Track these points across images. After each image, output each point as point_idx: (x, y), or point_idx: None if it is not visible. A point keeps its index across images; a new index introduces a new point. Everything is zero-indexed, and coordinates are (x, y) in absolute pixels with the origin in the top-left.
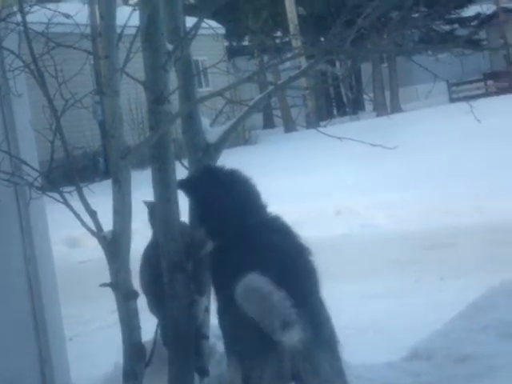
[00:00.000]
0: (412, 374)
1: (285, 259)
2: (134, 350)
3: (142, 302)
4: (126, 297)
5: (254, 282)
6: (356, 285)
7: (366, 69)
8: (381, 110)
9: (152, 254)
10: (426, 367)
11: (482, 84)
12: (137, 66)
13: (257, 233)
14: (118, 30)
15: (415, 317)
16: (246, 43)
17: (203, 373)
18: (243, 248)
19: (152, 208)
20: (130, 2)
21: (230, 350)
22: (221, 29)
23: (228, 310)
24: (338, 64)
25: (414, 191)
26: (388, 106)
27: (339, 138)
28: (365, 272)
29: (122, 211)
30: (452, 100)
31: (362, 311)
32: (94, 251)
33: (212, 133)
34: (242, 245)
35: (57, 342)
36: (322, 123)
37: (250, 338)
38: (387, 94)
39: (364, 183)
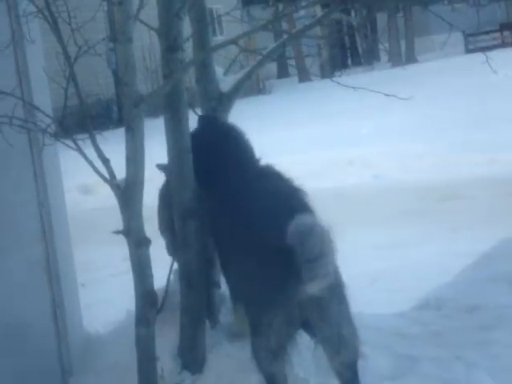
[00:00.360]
0: (422, 323)
1: (279, 201)
2: (146, 297)
3: (154, 250)
4: (138, 244)
5: (317, 225)
6: (368, 235)
7: (382, 18)
8: (396, 60)
9: (168, 194)
10: (435, 317)
11: (498, 35)
12: (151, 13)
13: (250, 180)
14: None
15: (426, 267)
16: None
17: (214, 320)
18: (238, 196)
19: (166, 170)
20: None
21: (236, 298)
22: None
23: (235, 259)
24: (353, 13)
25: (428, 142)
26: (403, 56)
27: (353, 87)
28: (377, 222)
29: (135, 159)
30: (468, 51)
31: (373, 261)
32: (107, 199)
33: (225, 82)
34: (237, 193)
35: (69, 287)
36: (337, 73)
37: (259, 286)
38: (402, 44)
39: (377, 134)
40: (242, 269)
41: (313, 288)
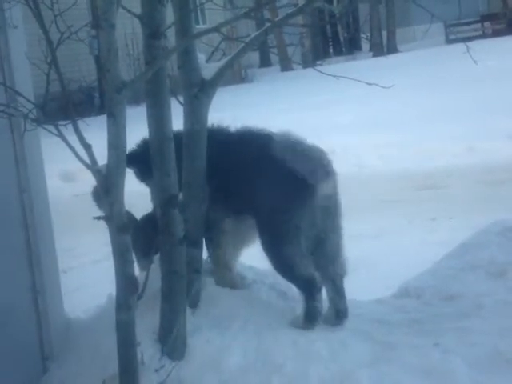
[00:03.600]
0: (401, 310)
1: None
2: (126, 282)
3: None
4: (119, 230)
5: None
6: (348, 224)
7: (364, 8)
8: (377, 50)
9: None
10: (415, 304)
11: (479, 25)
12: None
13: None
14: None
15: (406, 256)
16: None
17: (194, 306)
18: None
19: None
20: None
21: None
22: None
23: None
24: (335, 2)
25: (408, 132)
26: (384, 46)
27: (335, 76)
28: (357, 211)
29: (117, 145)
30: (449, 41)
31: (354, 250)
32: (88, 185)
33: (208, 69)
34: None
35: (50, 273)
36: (318, 62)
37: (287, 197)
38: (384, 34)
39: (359, 123)
40: (269, 190)
41: (325, 189)
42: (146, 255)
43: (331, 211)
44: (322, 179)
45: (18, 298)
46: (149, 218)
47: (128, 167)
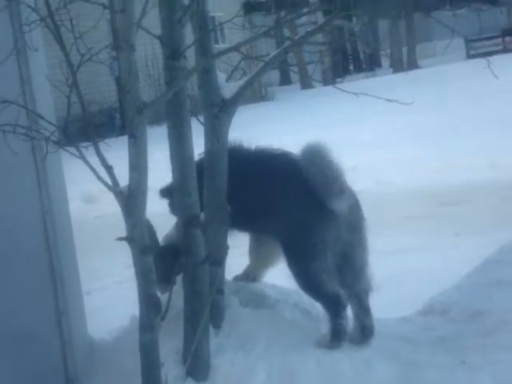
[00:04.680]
0: (426, 328)
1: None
2: (149, 303)
3: None
4: (141, 251)
5: (323, 149)
6: (371, 241)
7: (384, 24)
8: (397, 66)
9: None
10: (440, 322)
11: (499, 40)
12: (153, 20)
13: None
14: None
15: (430, 272)
16: None
17: (218, 327)
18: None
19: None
20: None
21: (281, 237)
22: None
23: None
24: (354, 19)
25: (430, 148)
26: (405, 62)
27: (356, 93)
28: (380, 228)
29: (138, 166)
30: (469, 56)
31: (377, 267)
32: (110, 207)
33: (228, 88)
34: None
35: (74, 294)
36: (339, 80)
37: (312, 214)
38: (404, 50)
39: (380, 140)
40: (295, 209)
41: (340, 205)
42: (166, 280)
43: (356, 226)
44: (343, 193)
45: (41, 319)
46: (169, 242)
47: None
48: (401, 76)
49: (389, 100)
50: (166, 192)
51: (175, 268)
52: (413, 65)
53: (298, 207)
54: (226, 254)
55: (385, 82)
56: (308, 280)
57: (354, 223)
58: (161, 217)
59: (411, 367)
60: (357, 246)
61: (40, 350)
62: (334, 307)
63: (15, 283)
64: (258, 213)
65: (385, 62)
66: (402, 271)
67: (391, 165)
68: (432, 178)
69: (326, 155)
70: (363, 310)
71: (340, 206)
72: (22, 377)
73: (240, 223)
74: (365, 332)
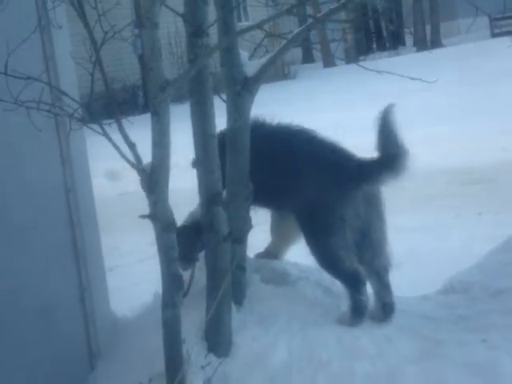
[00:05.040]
0: (447, 306)
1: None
2: (172, 280)
3: None
4: (164, 228)
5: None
6: (393, 218)
7: (407, 2)
8: (421, 44)
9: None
10: (461, 300)
11: None
12: None
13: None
14: None
15: (452, 250)
16: None
17: (239, 303)
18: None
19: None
20: None
21: (300, 213)
22: None
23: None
24: None
25: (454, 126)
26: (428, 40)
27: (379, 71)
28: (403, 205)
29: (161, 143)
30: (494, 35)
31: (399, 244)
32: (132, 184)
33: (250, 66)
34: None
35: (97, 271)
36: (362, 58)
37: (332, 189)
38: (428, 28)
39: (403, 118)
40: (314, 183)
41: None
42: (188, 258)
43: (374, 201)
44: (364, 169)
45: (65, 296)
46: (193, 220)
47: None
48: (424, 54)
49: (412, 78)
50: None
51: (198, 246)
52: (436, 43)
53: (316, 184)
54: (248, 231)
55: (408, 60)
56: (326, 257)
57: (373, 199)
58: (184, 193)
59: (432, 344)
60: (375, 222)
61: (63, 326)
62: (353, 283)
63: (39, 259)
64: (278, 189)
65: (408, 40)
66: (423, 249)
67: (414, 143)
68: (455, 156)
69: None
70: (383, 287)
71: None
72: (46, 352)
73: (261, 200)
74: (385, 309)
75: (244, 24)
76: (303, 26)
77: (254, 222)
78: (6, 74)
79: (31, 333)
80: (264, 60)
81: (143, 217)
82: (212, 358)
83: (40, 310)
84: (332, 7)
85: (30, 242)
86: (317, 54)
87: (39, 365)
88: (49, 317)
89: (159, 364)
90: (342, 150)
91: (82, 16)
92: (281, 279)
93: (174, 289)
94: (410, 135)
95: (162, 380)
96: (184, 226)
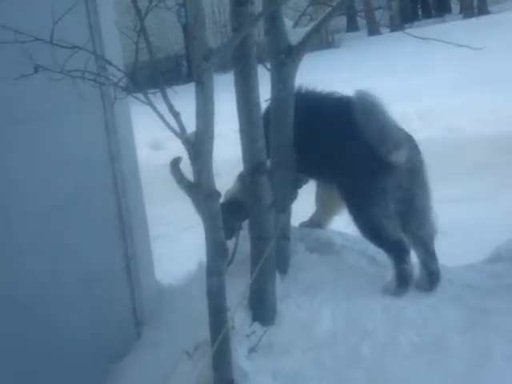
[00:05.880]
0: (494, 275)
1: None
2: (216, 248)
3: None
4: (208, 197)
5: (376, 102)
6: (438, 188)
7: None
8: (467, 11)
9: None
10: (508, 269)
11: None
12: None
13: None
14: None
15: (497, 220)
16: None
17: (284, 272)
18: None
19: None
20: None
21: (343, 184)
22: None
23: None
24: None
25: (499, 94)
26: (475, 7)
27: (424, 38)
28: (447, 175)
29: (205, 113)
30: None
31: (444, 214)
32: (177, 154)
33: (295, 34)
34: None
35: (142, 240)
36: (407, 25)
37: (373, 160)
38: None
39: (448, 86)
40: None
41: (396, 157)
42: (230, 234)
43: (416, 171)
44: (399, 146)
45: (111, 264)
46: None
47: None
48: (471, 22)
49: (459, 45)
50: None
51: (240, 219)
52: (483, 10)
53: (358, 154)
54: (293, 200)
55: (454, 27)
56: (369, 226)
57: (414, 169)
58: (228, 164)
59: (478, 314)
60: (418, 191)
61: (109, 295)
62: (397, 252)
63: (85, 229)
64: (320, 158)
65: (454, 7)
66: (468, 218)
67: (459, 112)
68: (498, 125)
69: (377, 104)
70: (429, 255)
71: (397, 157)
72: (93, 320)
73: (304, 169)
74: (431, 277)
75: None
76: None
77: (298, 191)
78: (51, 43)
79: (77, 302)
80: (308, 28)
81: (187, 185)
82: (256, 326)
83: (86, 278)
84: None
85: (75, 212)
86: (361, 22)
87: (86, 333)
88: (95, 286)
89: (204, 332)
90: (386, 118)
91: None
92: (325, 248)
93: (218, 257)
94: (452, 103)
95: (206, 348)
96: (222, 204)
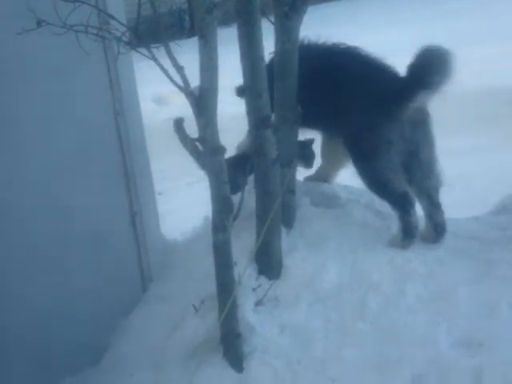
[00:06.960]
0: (499, 227)
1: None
2: (222, 203)
3: None
4: (213, 152)
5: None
6: (443, 141)
7: None
8: None
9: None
10: None
11: None
12: None
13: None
14: None
15: (503, 172)
16: None
17: (289, 226)
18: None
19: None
20: None
21: (348, 135)
22: None
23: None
24: None
25: (505, 46)
26: None
27: None
28: (452, 128)
29: (209, 66)
30: None
31: (449, 166)
32: (181, 108)
33: None
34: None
35: (147, 195)
36: None
37: (378, 110)
38: None
39: (449, 38)
40: (361, 105)
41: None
42: (237, 187)
43: (421, 123)
44: (408, 91)
45: (116, 220)
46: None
47: None
48: None
49: None
50: (243, 90)
51: (246, 172)
52: None
53: (361, 106)
54: (296, 154)
55: None
56: (374, 179)
57: (419, 120)
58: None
59: (484, 265)
60: (423, 143)
61: (115, 251)
62: (402, 205)
63: (89, 184)
64: (325, 110)
65: None
66: (473, 171)
67: (461, 64)
68: (506, 77)
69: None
70: (434, 207)
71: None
72: (99, 276)
73: (309, 122)
74: (437, 229)
75: None
76: None
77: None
78: None
79: (84, 256)
80: None
81: (192, 140)
82: (263, 280)
83: (92, 234)
84: None
85: (79, 167)
86: None
87: (92, 288)
88: (101, 241)
89: (210, 286)
90: (388, 68)
91: None
92: (331, 202)
93: (224, 212)
94: (460, 56)
95: (213, 302)
96: (233, 157)
